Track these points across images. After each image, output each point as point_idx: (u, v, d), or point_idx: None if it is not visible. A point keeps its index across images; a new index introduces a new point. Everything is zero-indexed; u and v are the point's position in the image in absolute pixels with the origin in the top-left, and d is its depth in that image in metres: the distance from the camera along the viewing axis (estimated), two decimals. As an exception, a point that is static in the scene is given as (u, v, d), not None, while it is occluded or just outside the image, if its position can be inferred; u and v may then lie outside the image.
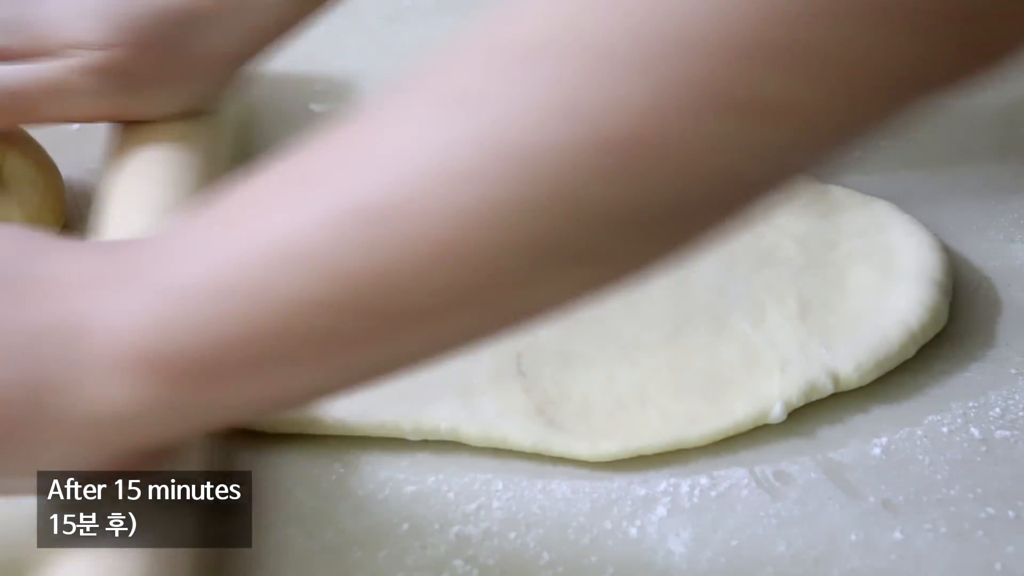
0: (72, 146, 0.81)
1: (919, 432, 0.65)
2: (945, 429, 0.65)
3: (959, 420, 0.65)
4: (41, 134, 0.77)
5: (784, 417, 0.64)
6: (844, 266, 0.70)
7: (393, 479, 0.63)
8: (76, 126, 0.84)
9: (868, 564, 0.59)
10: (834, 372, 0.65)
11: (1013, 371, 0.67)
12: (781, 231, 0.72)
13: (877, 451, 0.64)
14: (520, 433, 0.63)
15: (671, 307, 0.69)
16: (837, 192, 0.74)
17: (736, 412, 0.64)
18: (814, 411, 0.65)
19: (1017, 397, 0.66)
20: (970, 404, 0.66)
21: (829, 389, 0.65)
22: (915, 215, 0.73)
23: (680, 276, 0.69)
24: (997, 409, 0.65)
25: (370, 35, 0.91)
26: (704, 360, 0.66)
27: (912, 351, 0.67)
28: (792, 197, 0.72)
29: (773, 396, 0.65)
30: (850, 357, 0.66)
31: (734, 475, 0.63)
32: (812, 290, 0.69)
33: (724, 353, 0.66)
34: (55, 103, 0.67)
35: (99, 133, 0.83)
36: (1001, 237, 0.74)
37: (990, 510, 0.61)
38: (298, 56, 0.91)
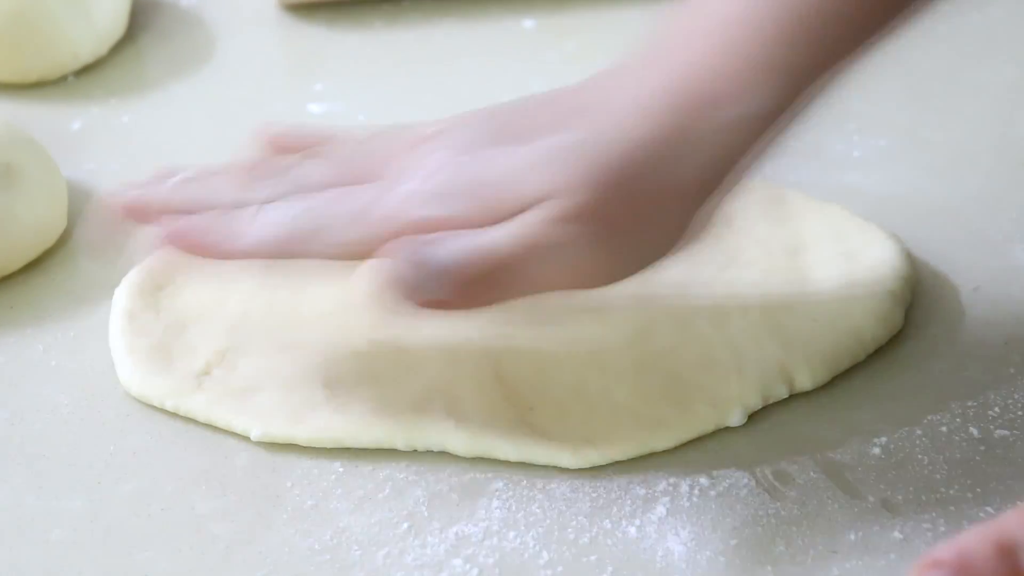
0: (72, 147, 0.82)
1: (918, 432, 0.65)
2: (944, 429, 0.65)
3: (958, 420, 0.65)
4: (41, 135, 0.78)
5: (744, 421, 0.65)
6: (805, 271, 0.71)
7: (392, 478, 0.63)
8: (76, 125, 0.84)
9: (867, 563, 0.59)
10: (788, 376, 0.66)
11: (1012, 371, 0.67)
12: (743, 235, 0.72)
13: (876, 451, 0.64)
14: (505, 444, 0.64)
15: (636, 309, 0.69)
16: (792, 196, 0.75)
17: (699, 415, 0.64)
18: (814, 410, 0.65)
19: (1016, 396, 0.66)
20: (969, 404, 0.66)
21: (784, 393, 0.66)
22: (915, 213, 0.73)
23: (644, 278, 0.70)
24: (996, 408, 0.65)
25: (370, 35, 0.91)
26: (668, 363, 0.67)
27: (862, 356, 0.67)
28: (749, 201, 0.74)
29: (732, 400, 0.65)
30: (803, 361, 0.66)
31: (733, 475, 0.63)
32: (773, 295, 0.69)
33: (686, 356, 0.67)
34: (542, 264, 0.59)
35: (99, 133, 0.83)
36: (1000, 237, 0.74)
37: (989, 510, 0.61)
38: (298, 56, 0.91)
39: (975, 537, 0.48)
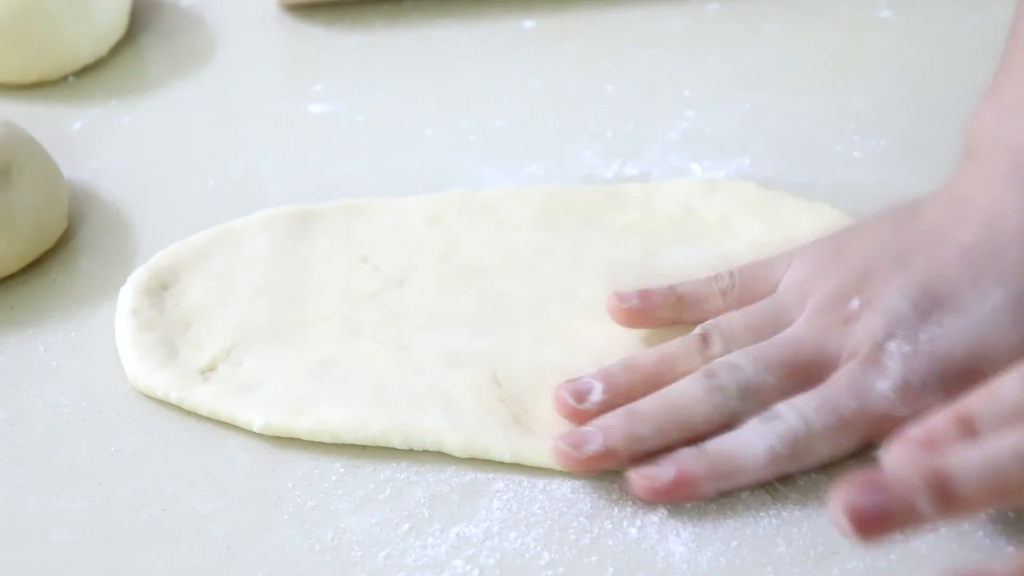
0: (73, 147, 0.82)
1: (919, 432, 0.65)
2: (945, 429, 0.65)
3: (959, 420, 0.65)
4: (42, 135, 0.78)
5: None
6: None
7: (393, 479, 0.63)
8: (77, 125, 0.84)
9: (868, 564, 0.59)
10: None
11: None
12: (739, 238, 0.72)
13: (877, 451, 0.64)
14: (500, 445, 0.64)
15: None
16: (784, 198, 0.75)
17: None
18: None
19: (1017, 397, 0.66)
20: (970, 404, 0.66)
21: None
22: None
23: (644, 286, 0.70)
24: (997, 409, 0.65)
25: (370, 35, 0.91)
26: None
27: None
28: (743, 204, 0.74)
29: None
30: None
31: (734, 475, 0.63)
32: None
33: None
34: None
35: (100, 134, 0.83)
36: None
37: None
38: (298, 56, 0.91)
39: (939, 416, 0.53)
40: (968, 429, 0.52)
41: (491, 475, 0.63)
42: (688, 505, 0.62)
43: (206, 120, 0.85)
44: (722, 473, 0.61)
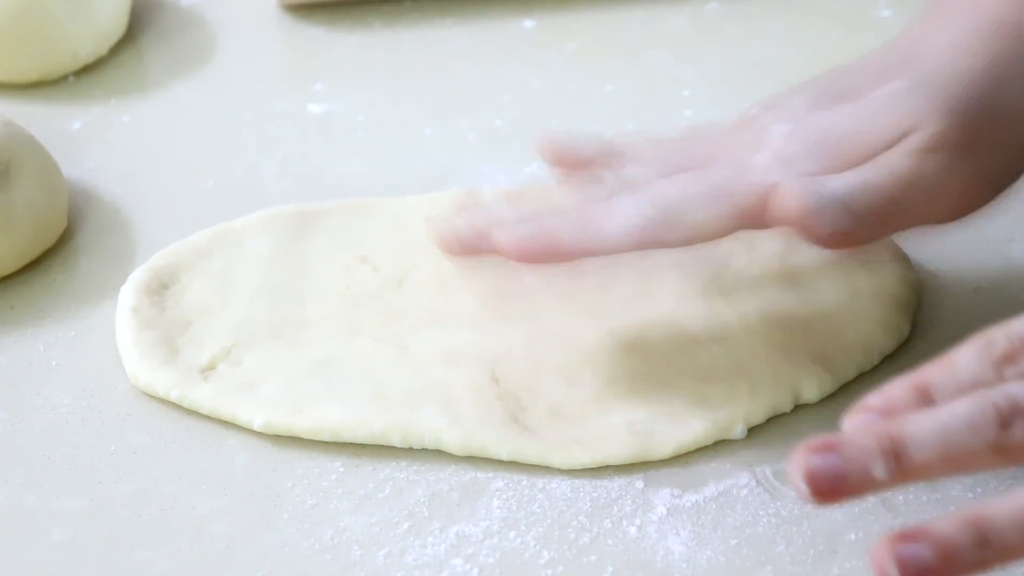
0: (73, 146, 0.82)
1: (919, 432, 0.65)
2: (945, 429, 0.65)
3: (959, 420, 0.65)
4: (41, 135, 0.78)
5: (745, 434, 0.64)
6: (801, 278, 0.70)
7: (393, 478, 0.63)
8: (77, 125, 0.84)
9: (867, 563, 0.59)
10: (796, 392, 0.65)
11: (1012, 371, 0.67)
12: (733, 237, 0.72)
13: (877, 451, 0.64)
14: (497, 443, 0.64)
15: (632, 314, 0.69)
16: None
17: (697, 430, 0.64)
18: (814, 409, 0.65)
19: (1016, 397, 0.66)
20: (970, 404, 0.66)
21: (788, 406, 0.65)
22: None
23: (641, 284, 0.70)
24: (997, 409, 0.65)
25: (370, 35, 0.91)
26: (664, 371, 0.66)
27: (868, 367, 0.67)
28: None
29: (736, 417, 0.64)
30: (812, 376, 0.66)
31: (733, 474, 0.63)
32: (772, 303, 0.69)
33: (684, 366, 0.67)
34: (918, 195, 0.62)
35: (99, 133, 0.83)
36: (1000, 237, 0.73)
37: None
38: (298, 56, 0.91)
39: (897, 384, 0.54)
40: (925, 398, 0.54)
41: (490, 474, 0.63)
42: (688, 504, 0.62)
43: (206, 120, 0.85)
44: (588, 230, 0.62)
